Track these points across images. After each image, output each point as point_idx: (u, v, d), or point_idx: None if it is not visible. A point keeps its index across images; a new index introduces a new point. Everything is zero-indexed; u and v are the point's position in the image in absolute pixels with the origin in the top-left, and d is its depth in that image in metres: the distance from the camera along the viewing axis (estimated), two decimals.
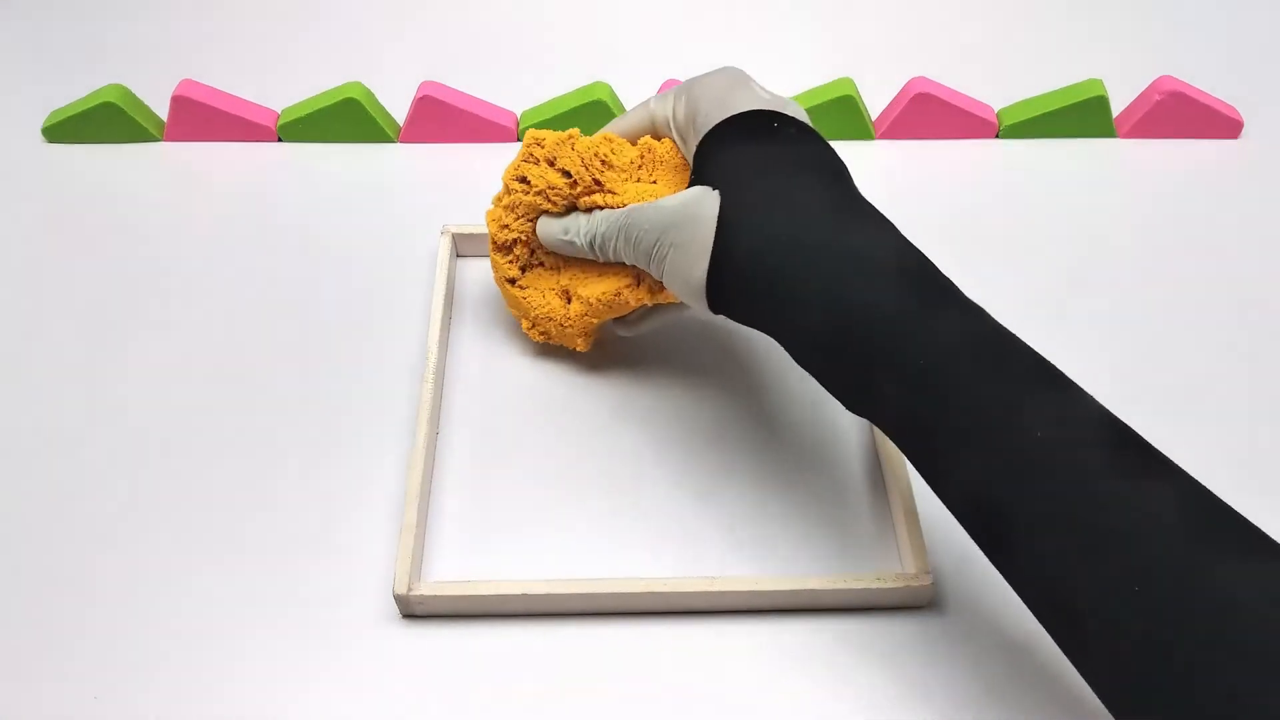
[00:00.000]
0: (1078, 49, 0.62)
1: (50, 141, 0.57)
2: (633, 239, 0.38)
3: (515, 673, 0.37)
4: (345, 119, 0.55)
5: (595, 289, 0.42)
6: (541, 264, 0.45)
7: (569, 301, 0.44)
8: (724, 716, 0.35)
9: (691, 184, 0.38)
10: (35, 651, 0.37)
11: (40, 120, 0.57)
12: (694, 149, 0.38)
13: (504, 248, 0.45)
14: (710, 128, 0.37)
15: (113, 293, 0.49)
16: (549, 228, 0.43)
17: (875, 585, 0.37)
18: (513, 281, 0.45)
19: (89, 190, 0.54)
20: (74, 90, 0.57)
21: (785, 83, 0.58)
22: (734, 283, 0.35)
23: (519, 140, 0.57)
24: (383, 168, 0.55)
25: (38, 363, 0.46)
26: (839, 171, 0.37)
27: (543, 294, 0.45)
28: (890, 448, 0.41)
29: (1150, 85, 0.56)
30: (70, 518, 0.41)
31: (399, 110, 0.57)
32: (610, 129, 0.44)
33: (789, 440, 0.43)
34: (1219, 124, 0.56)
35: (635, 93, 0.57)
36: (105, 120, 0.56)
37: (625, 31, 0.64)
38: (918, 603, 0.38)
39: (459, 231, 0.49)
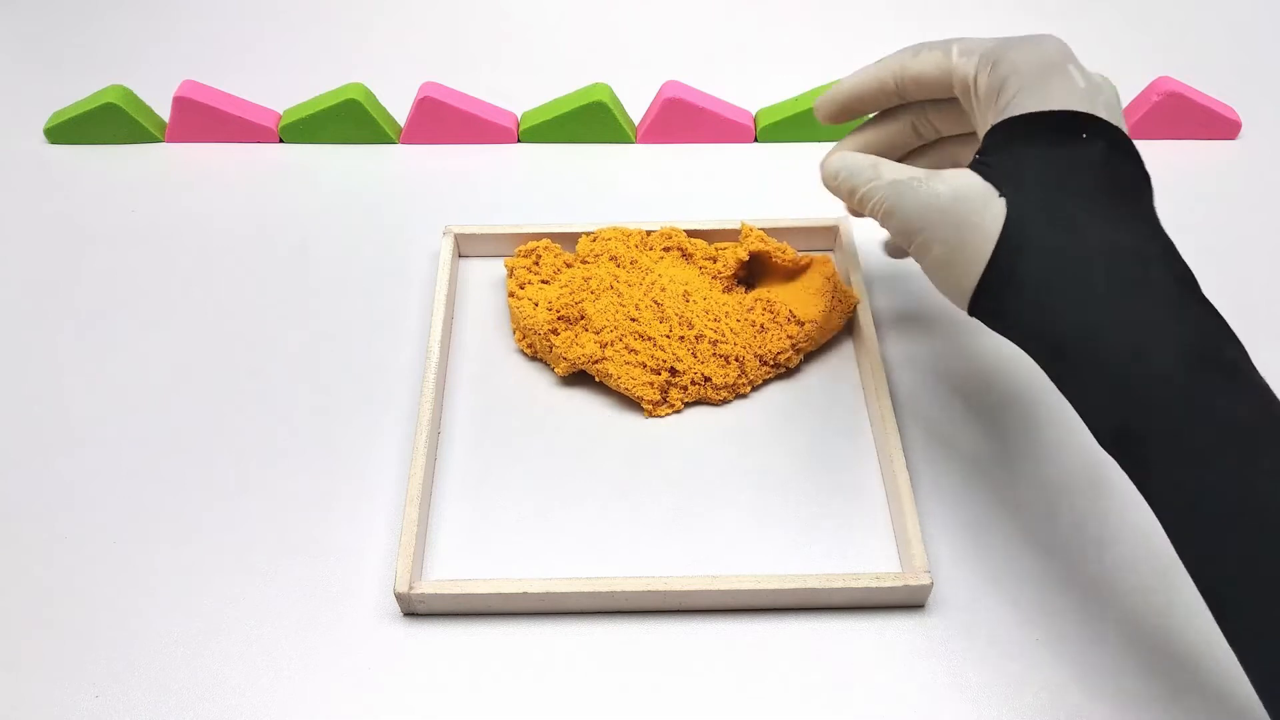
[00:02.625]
0: (1076, 49, 0.62)
1: (52, 142, 0.57)
2: (893, 223, 0.36)
3: (516, 671, 0.37)
4: (346, 120, 0.56)
5: (624, 374, 0.43)
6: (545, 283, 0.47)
7: (573, 323, 0.45)
8: (724, 715, 0.36)
9: (975, 165, 0.35)
10: (35, 651, 0.37)
11: (42, 121, 0.57)
12: (987, 124, 0.35)
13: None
14: (1012, 115, 0.34)
15: (114, 293, 0.49)
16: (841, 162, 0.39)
17: (875, 585, 0.37)
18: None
19: (91, 191, 0.54)
20: (76, 91, 0.57)
21: (785, 83, 0.58)
22: (1009, 308, 0.33)
23: (519, 140, 0.57)
24: (384, 168, 0.55)
25: (38, 363, 0.46)
26: (1142, 199, 0.34)
27: (533, 304, 0.45)
28: (890, 447, 0.41)
29: (1149, 86, 0.56)
30: (70, 517, 0.41)
31: (400, 111, 0.57)
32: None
33: (789, 440, 0.43)
34: (1217, 125, 0.56)
35: (635, 93, 0.57)
36: (107, 121, 0.56)
37: (625, 31, 0.64)
38: (917, 603, 0.38)
39: (461, 232, 0.49)
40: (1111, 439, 0.32)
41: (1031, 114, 0.34)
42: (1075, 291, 0.32)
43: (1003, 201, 0.33)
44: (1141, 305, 0.31)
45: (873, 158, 0.38)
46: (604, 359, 0.43)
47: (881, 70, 0.41)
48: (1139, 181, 0.34)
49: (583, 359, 0.43)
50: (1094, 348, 0.31)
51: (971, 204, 0.34)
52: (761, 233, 0.47)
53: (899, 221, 0.35)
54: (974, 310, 0.34)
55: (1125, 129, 0.35)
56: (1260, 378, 0.31)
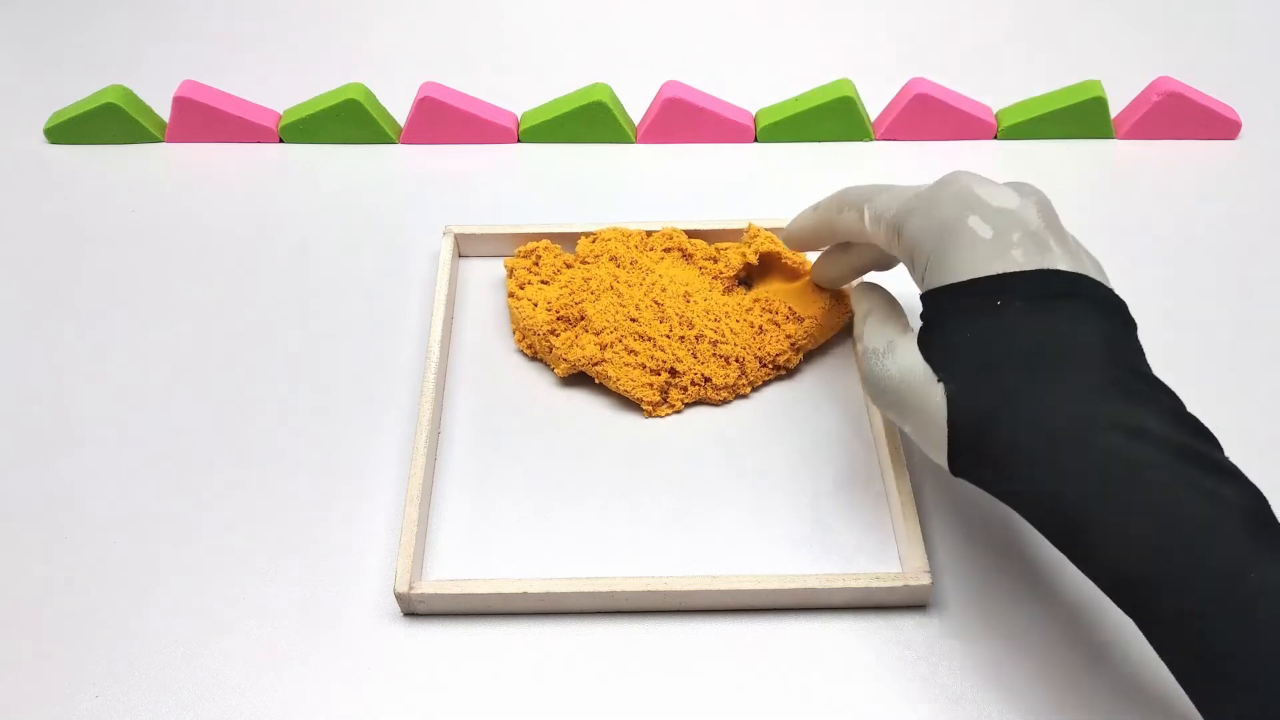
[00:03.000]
0: (1076, 50, 0.62)
1: (52, 142, 0.57)
2: (867, 388, 0.36)
3: (516, 671, 0.37)
4: (346, 120, 0.56)
5: (623, 376, 0.43)
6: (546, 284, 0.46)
7: (573, 324, 0.44)
8: (724, 715, 0.36)
9: (920, 340, 0.34)
10: (35, 651, 0.37)
11: (42, 121, 0.57)
12: (919, 287, 0.35)
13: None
14: (930, 289, 0.34)
15: (114, 293, 0.49)
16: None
17: (875, 585, 0.37)
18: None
19: (91, 191, 0.54)
20: (76, 91, 0.57)
21: (785, 83, 0.58)
22: (985, 480, 0.32)
23: (519, 140, 0.57)
24: (384, 168, 0.55)
25: (38, 363, 0.46)
26: (1081, 345, 0.32)
27: (532, 305, 0.45)
28: (891, 448, 0.41)
29: (1149, 86, 0.56)
30: (70, 517, 0.41)
31: (400, 111, 0.57)
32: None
33: (789, 439, 0.43)
34: (1217, 125, 0.56)
35: (635, 93, 0.57)
36: (107, 121, 0.56)
37: (625, 31, 0.64)
38: (917, 603, 0.38)
39: (461, 232, 0.49)
40: (1113, 590, 0.30)
41: (944, 288, 0.33)
42: (1041, 468, 0.30)
43: (941, 387, 0.33)
44: (1117, 477, 0.29)
45: (862, 308, 0.37)
46: (603, 360, 0.43)
47: (817, 220, 0.41)
48: (1073, 322, 0.32)
49: (582, 360, 0.43)
50: (1086, 521, 0.30)
51: (916, 390, 0.33)
52: (770, 234, 0.47)
53: (868, 391, 0.36)
54: (958, 475, 0.33)
55: (1055, 248, 0.33)
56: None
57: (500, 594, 0.37)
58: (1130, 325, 0.34)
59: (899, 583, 0.37)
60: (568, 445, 0.43)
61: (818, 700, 0.36)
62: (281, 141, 0.57)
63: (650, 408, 0.43)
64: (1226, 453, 0.31)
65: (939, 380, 0.33)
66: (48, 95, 0.59)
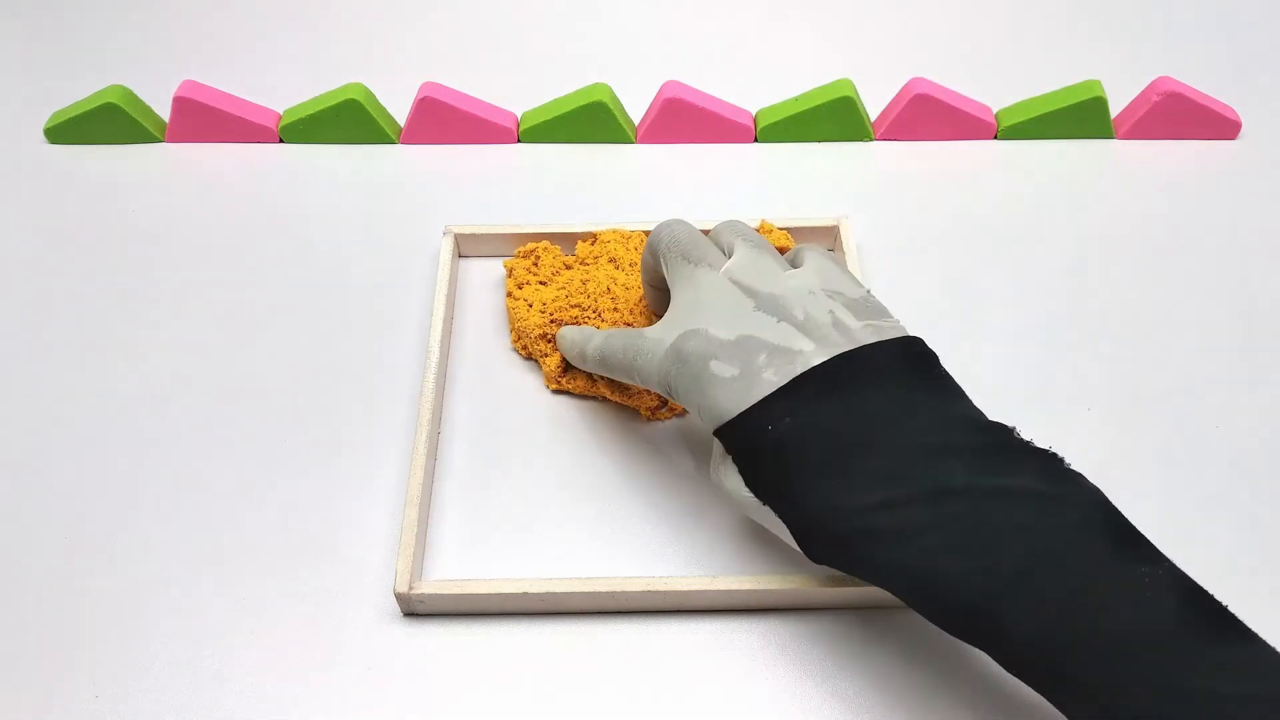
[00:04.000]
0: (1076, 50, 0.62)
1: (52, 142, 0.57)
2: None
3: (516, 671, 0.37)
4: (346, 120, 0.56)
5: (618, 389, 0.43)
6: (545, 284, 0.46)
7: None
8: (723, 715, 0.36)
9: (741, 474, 0.34)
10: (35, 651, 0.37)
11: (42, 121, 0.57)
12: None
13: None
14: (714, 430, 0.35)
15: (114, 293, 0.49)
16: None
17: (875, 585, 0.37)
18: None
19: (91, 191, 0.54)
20: (76, 91, 0.57)
21: (785, 83, 0.58)
22: (841, 567, 0.33)
23: (519, 140, 0.57)
24: (384, 168, 0.55)
25: (39, 363, 0.46)
26: (867, 438, 0.32)
27: (527, 306, 0.45)
28: None
29: (1149, 86, 0.56)
30: (70, 517, 0.41)
31: (400, 111, 0.57)
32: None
33: None
34: (1217, 125, 0.56)
35: (635, 93, 0.57)
36: (107, 121, 0.56)
37: (625, 31, 0.64)
38: None
39: (461, 232, 0.49)
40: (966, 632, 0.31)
41: (722, 428, 0.34)
42: (882, 552, 0.31)
43: (769, 510, 0.34)
44: (952, 528, 0.30)
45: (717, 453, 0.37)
46: (596, 384, 0.43)
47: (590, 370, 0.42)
48: (846, 409, 0.32)
49: (579, 389, 0.44)
50: (933, 575, 0.30)
51: (754, 511, 0.34)
52: (785, 232, 0.48)
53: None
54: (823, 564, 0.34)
55: (801, 345, 0.33)
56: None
57: (500, 594, 0.37)
58: (923, 359, 0.35)
59: None
60: (568, 445, 0.43)
61: (817, 700, 0.36)
62: (281, 141, 0.57)
63: (649, 413, 0.43)
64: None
65: (765, 504, 0.34)
66: (48, 95, 0.59)
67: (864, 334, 0.34)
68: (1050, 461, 0.32)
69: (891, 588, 0.32)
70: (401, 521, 0.39)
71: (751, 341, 0.34)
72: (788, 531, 0.34)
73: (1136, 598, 0.29)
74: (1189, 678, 0.27)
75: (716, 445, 0.36)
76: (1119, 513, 0.31)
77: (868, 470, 0.32)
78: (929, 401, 0.33)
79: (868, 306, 0.36)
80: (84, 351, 0.47)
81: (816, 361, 0.33)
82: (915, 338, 0.35)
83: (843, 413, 0.32)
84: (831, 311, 0.35)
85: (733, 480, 0.35)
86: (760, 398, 0.33)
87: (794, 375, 0.33)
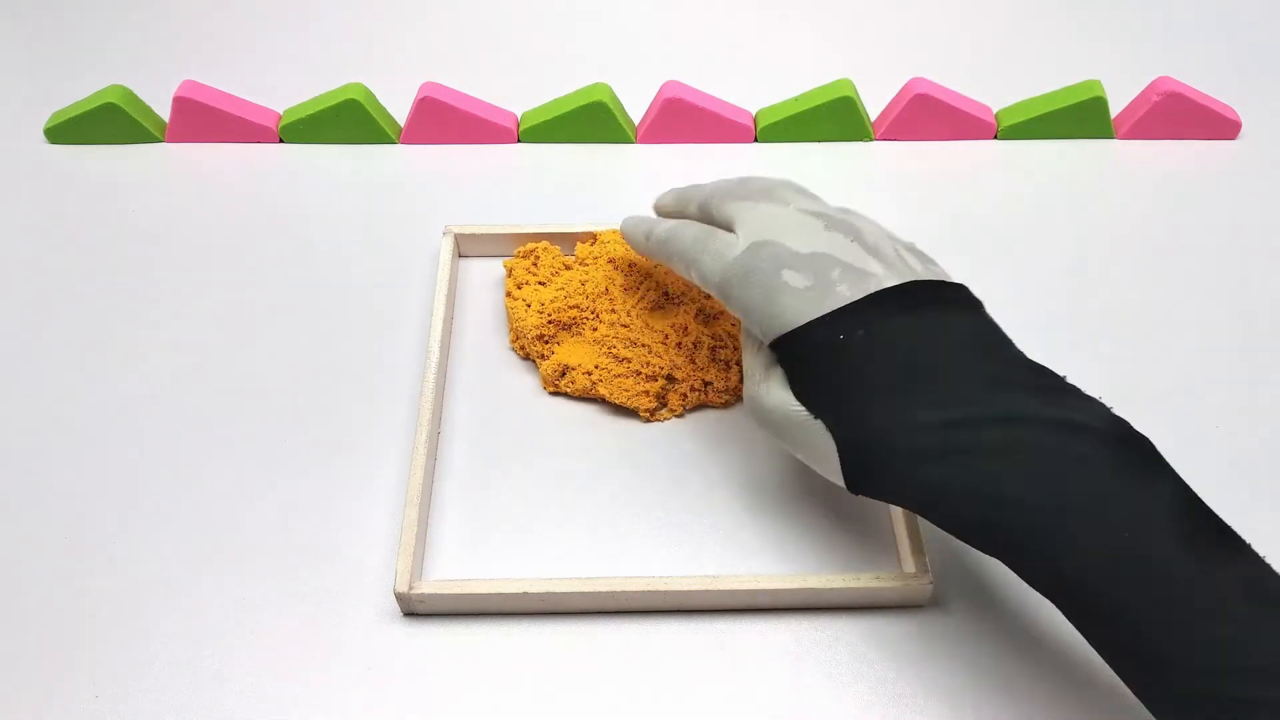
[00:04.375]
0: (1076, 50, 0.63)
1: (52, 142, 0.57)
2: (750, 417, 0.37)
3: (516, 671, 0.37)
4: (346, 120, 0.56)
5: (616, 390, 0.43)
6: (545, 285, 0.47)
7: (565, 328, 0.44)
8: (723, 715, 0.36)
9: (790, 381, 0.35)
10: (35, 651, 0.37)
11: (42, 121, 0.57)
12: (762, 339, 0.36)
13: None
14: (775, 339, 0.35)
15: (114, 293, 0.49)
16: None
17: (875, 585, 0.37)
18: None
19: (91, 191, 0.54)
20: (76, 91, 0.57)
21: (785, 83, 0.58)
22: (886, 497, 0.33)
23: (519, 140, 0.57)
24: (384, 168, 0.55)
25: (38, 363, 0.46)
26: (942, 349, 0.33)
27: (525, 306, 0.45)
28: None
29: (1149, 86, 0.56)
30: (70, 517, 0.41)
31: (400, 111, 0.57)
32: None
33: None
34: (1217, 125, 0.56)
35: (635, 93, 0.57)
36: (107, 121, 0.56)
37: (625, 31, 0.64)
38: (918, 602, 0.38)
39: (461, 232, 0.49)
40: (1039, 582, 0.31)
41: (786, 336, 0.34)
42: (934, 479, 0.31)
43: (820, 425, 0.33)
44: (1006, 466, 0.30)
45: (747, 364, 0.37)
46: (594, 386, 0.43)
47: (651, 246, 0.42)
48: (918, 333, 0.33)
49: (576, 391, 0.44)
50: (986, 513, 0.31)
51: (798, 429, 0.34)
52: None
53: (751, 416, 0.37)
54: (859, 494, 0.34)
55: (875, 269, 0.34)
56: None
57: (500, 594, 0.37)
58: (975, 306, 0.35)
59: (899, 583, 0.37)
60: (568, 445, 0.43)
61: (817, 700, 0.36)
62: (281, 141, 0.57)
63: (647, 414, 0.43)
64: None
65: (815, 418, 0.34)
66: (48, 95, 0.59)
67: (926, 273, 0.35)
68: (1100, 405, 0.32)
69: (937, 511, 0.32)
70: (401, 521, 0.39)
71: (825, 258, 0.35)
72: (827, 453, 0.33)
73: (1206, 571, 0.28)
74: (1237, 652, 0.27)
75: (760, 360, 0.36)
76: (1179, 478, 0.31)
77: (933, 391, 0.32)
78: (989, 339, 0.34)
79: (923, 254, 0.37)
80: (84, 351, 0.47)
81: (890, 284, 0.34)
82: (965, 285, 0.36)
83: (912, 334, 0.33)
84: (895, 248, 0.36)
85: (780, 394, 0.34)
86: (833, 308, 0.33)
87: (868, 292, 0.34)
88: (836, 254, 0.35)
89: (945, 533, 0.40)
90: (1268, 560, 0.30)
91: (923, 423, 0.32)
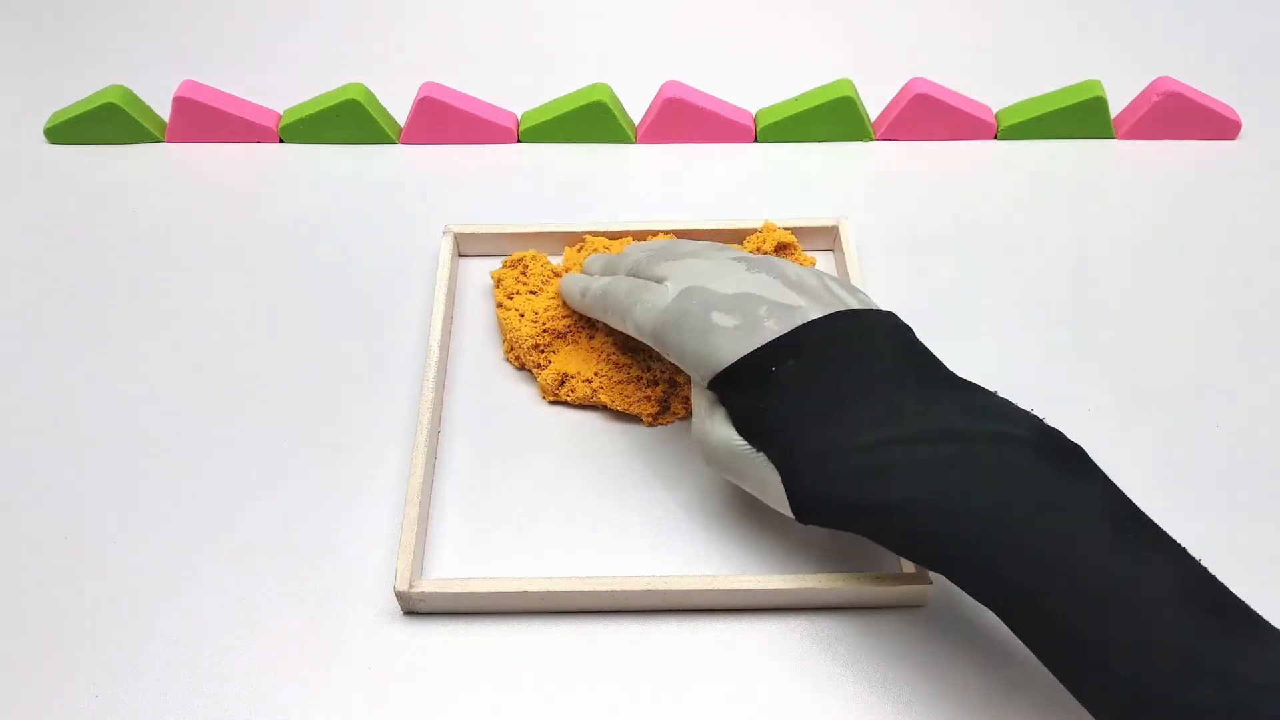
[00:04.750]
0: (1076, 50, 0.62)
1: (52, 142, 0.57)
2: (698, 451, 0.37)
3: (516, 670, 0.37)
4: (346, 120, 0.56)
5: (618, 397, 0.43)
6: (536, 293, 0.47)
7: (560, 336, 0.44)
8: (723, 714, 0.36)
9: (732, 417, 0.35)
10: (35, 651, 0.37)
11: (42, 121, 0.57)
12: (699, 382, 0.37)
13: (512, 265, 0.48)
14: (710, 380, 0.36)
15: (114, 293, 0.49)
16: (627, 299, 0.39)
17: (875, 585, 0.37)
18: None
19: (91, 191, 0.54)
20: (76, 91, 0.57)
21: (785, 83, 0.58)
22: (833, 524, 0.34)
23: (519, 140, 0.57)
24: (384, 168, 0.55)
25: (38, 363, 0.46)
26: (865, 371, 0.34)
27: (519, 315, 0.45)
28: None
29: (1149, 86, 0.56)
30: (70, 517, 0.41)
31: (400, 111, 0.57)
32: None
33: None
34: (1217, 125, 0.56)
35: (635, 93, 0.57)
36: (107, 121, 0.56)
37: (625, 31, 0.64)
38: (918, 602, 0.38)
39: (461, 231, 0.49)
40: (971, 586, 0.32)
41: (720, 375, 0.35)
42: (880, 505, 0.32)
43: (763, 457, 0.34)
44: (970, 479, 0.31)
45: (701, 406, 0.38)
46: (595, 394, 0.43)
47: (582, 308, 0.43)
48: (844, 360, 0.34)
49: (577, 400, 0.44)
50: (930, 524, 0.31)
51: (743, 463, 0.35)
52: (786, 232, 0.48)
53: (698, 451, 0.37)
54: (807, 524, 0.34)
55: (801, 302, 0.35)
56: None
57: (500, 593, 0.37)
58: (900, 330, 0.36)
59: (899, 583, 0.37)
60: (568, 444, 0.43)
61: (818, 700, 0.36)
62: (281, 141, 0.57)
63: (650, 419, 0.43)
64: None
65: (758, 451, 0.34)
66: (48, 95, 0.59)
67: (852, 301, 0.36)
68: (1032, 418, 0.33)
69: (880, 529, 0.32)
70: (401, 521, 0.39)
71: (751, 297, 0.36)
72: (773, 486, 0.34)
73: (1135, 569, 0.29)
74: (1200, 667, 0.28)
75: (704, 400, 0.37)
76: (1113, 485, 0.32)
77: (868, 413, 0.33)
78: (920, 360, 0.35)
79: (854, 288, 0.38)
80: (84, 351, 0.47)
81: (815, 315, 0.35)
82: (892, 313, 0.37)
83: (842, 360, 0.34)
84: (823, 282, 0.37)
85: (723, 430, 0.35)
86: (762, 343, 0.34)
87: (794, 325, 0.35)
88: (761, 293, 0.36)
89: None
90: (1202, 562, 0.30)
91: (860, 444, 0.32)
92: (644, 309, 0.38)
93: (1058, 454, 0.32)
